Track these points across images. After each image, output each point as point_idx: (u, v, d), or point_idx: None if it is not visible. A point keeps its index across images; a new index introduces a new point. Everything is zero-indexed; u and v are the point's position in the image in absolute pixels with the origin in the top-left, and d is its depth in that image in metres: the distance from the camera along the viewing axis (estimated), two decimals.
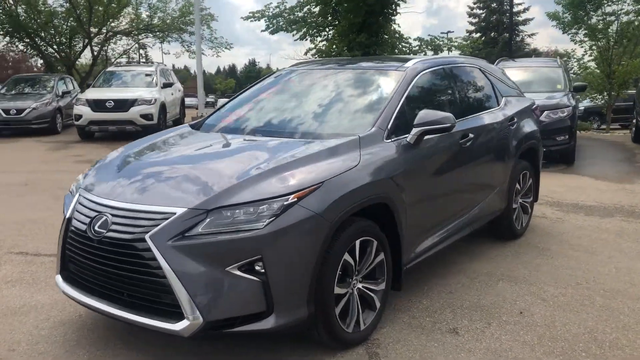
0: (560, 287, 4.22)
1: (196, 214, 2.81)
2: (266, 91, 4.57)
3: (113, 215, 2.99)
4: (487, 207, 4.77)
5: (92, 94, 14.55)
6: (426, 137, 3.79)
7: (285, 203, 2.86)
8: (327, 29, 22.43)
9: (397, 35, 22.44)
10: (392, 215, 3.50)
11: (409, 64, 4.24)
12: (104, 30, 25.04)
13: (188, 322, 2.74)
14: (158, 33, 25.97)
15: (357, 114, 3.90)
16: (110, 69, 17.20)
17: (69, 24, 24.13)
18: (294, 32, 22.63)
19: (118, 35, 26.13)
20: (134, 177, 3.28)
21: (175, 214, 2.83)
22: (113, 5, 23.71)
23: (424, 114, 3.71)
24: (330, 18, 22.15)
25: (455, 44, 23.34)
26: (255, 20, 23.62)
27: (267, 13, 23.58)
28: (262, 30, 23.18)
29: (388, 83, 4.06)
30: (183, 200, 2.90)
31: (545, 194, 7.35)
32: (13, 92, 16.75)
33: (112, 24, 25.14)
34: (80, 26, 23.40)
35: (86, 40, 24.63)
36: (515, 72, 11.29)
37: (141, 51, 28.43)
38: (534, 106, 5.83)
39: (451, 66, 4.63)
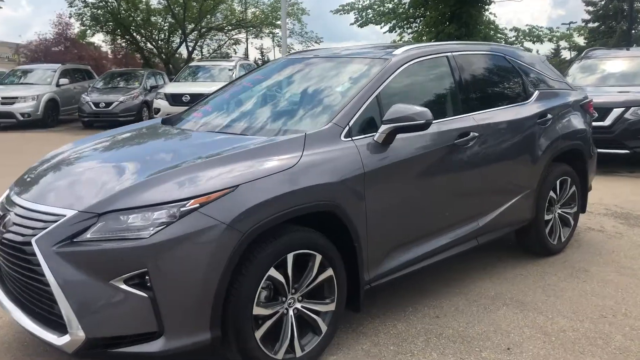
0: (575, 320, 3.48)
1: (86, 217, 2.50)
2: (248, 83, 4.20)
3: (16, 214, 2.77)
4: (505, 217, 4.07)
5: (171, 88, 14.95)
6: (401, 135, 3.24)
7: (182, 209, 2.48)
8: (417, 21, 21.59)
9: (493, 26, 21.18)
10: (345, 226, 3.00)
11: (398, 51, 3.67)
12: (199, 26, 25.79)
13: (69, 337, 2.45)
14: (251, 28, 26.40)
15: (320, 109, 3.41)
16: (193, 63, 17.64)
17: (167, 20, 25.14)
18: (383, 24, 22.02)
19: (212, 31, 26.85)
20: (53, 174, 3.05)
21: (65, 216, 2.54)
22: (210, 1, 24.36)
23: (395, 109, 3.16)
24: (422, 9, 21.29)
25: (557, 34, 21.51)
26: (344, 14, 23.32)
27: (356, 5, 23.16)
28: (351, 24, 22.68)
29: (364, 74, 3.52)
30: (79, 202, 2.61)
31: (614, 203, 6.37)
32: (108, 85, 17.64)
33: (207, 20, 25.82)
34: (176, 22, 24.28)
35: (182, 36, 25.53)
36: (608, 63, 10.09)
37: (235, 46, 29.06)
38: (585, 102, 4.96)
39: (458, 54, 3.96)
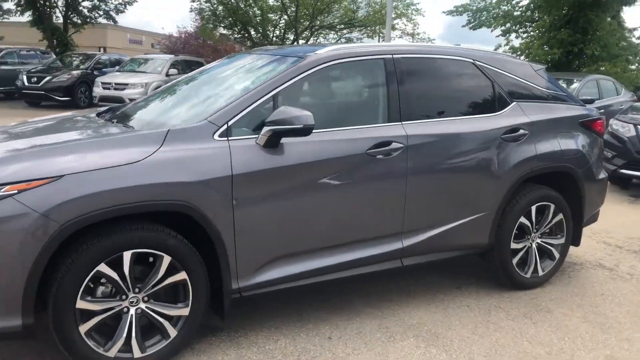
0: None
1: None
2: (189, 79, 4.12)
3: None
4: (445, 240, 3.66)
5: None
6: (293, 140, 3.03)
7: None
8: (532, 25, 20.24)
9: (618, 33, 19.29)
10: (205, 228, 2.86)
11: (320, 50, 3.41)
12: (312, 24, 26.22)
13: None
14: (362, 28, 26.33)
15: (206, 106, 3.27)
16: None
17: (282, 18, 25.85)
18: (495, 26, 20.93)
19: (325, 30, 27.15)
20: None
21: None
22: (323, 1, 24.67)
23: (279, 111, 2.96)
24: (536, 12, 19.95)
25: None
26: (457, 15, 22.50)
27: (471, 7, 22.23)
28: (463, 26, 21.75)
29: (270, 72, 3.33)
30: None
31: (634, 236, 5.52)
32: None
33: (321, 19, 26.17)
34: (290, 21, 24.89)
35: (295, 34, 26.11)
36: None
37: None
38: (588, 119, 4.30)
39: (402, 56, 3.58)
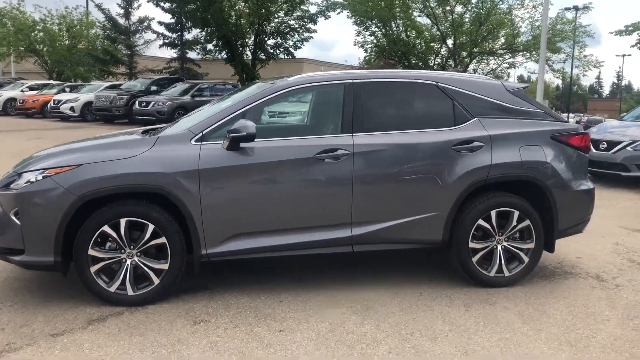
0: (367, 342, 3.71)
1: (12, 175, 4.14)
2: (212, 101, 5.29)
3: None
4: (394, 233, 4.30)
5: None
6: (255, 145, 4.05)
7: (41, 175, 3.91)
8: None
9: None
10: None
11: (291, 78, 4.39)
12: (472, 51, 26.42)
13: None
14: (524, 52, 25.73)
15: (198, 119, 4.37)
16: None
17: (443, 46, 26.49)
18: None
19: (485, 56, 27.08)
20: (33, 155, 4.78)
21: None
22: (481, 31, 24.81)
23: (237, 123, 4.01)
24: None
25: None
26: (627, 34, 21.09)
27: None
28: (632, 46, 20.28)
29: (249, 94, 4.38)
30: (19, 167, 4.27)
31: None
32: None
33: (481, 45, 26.24)
34: (450, 49, 25.45)
35: (454, 62, 26.54)
36: None
37: (509, 70, 28.56)
38: (563, 134, 4.58)
39: (361, 81, 4.37)
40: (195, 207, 4.00)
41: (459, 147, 4.36)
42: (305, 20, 29.87)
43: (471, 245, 4.44)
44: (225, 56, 30.91)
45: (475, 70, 29.13)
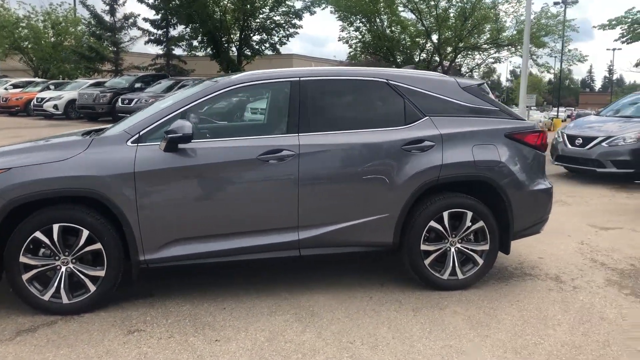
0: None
1: None
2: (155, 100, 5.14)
3: None
4: (342, 236, 4.15)
5: None
6: (195, 146, 3.90)
7: None
8: None
9: None
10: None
11: (234, 76, 4.23)
12: (457, 47, 26.30)
13: None
14: (509, 46, 25.63)
15: (139, 120, 4.21)
16: None
17: (428, 42, 26.39)
18: None
19: (469, 51, 26.95)
20: None
21: None
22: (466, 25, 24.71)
23: (174, 123, 3.85)
24: None
25: None
26: (610, 29, 21.04)
27: (626, 19, 20.64)
28: (615, 40, 20.18)
29: (187, 94, 4.22)
30: None
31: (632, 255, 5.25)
32: None
33: (465, 40, 26.12)
34: (435, 44, 25.35)
35: (439, 58, 26.44)
36: None
37: (494, 65, 28.41)
38: (518, 132, 4.45)
39: (309, 79, 4.22)
40: (131, 212, 3.84)
41: (409, 146, 4.22)
42: (291, 15, 29.67)
43: (423, 247, 4.31)
44: (210, 52, 30.64)
45: (460, 66, 29.07)
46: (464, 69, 28.89)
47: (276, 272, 4.75)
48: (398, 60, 27.26)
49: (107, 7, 33.93)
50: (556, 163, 10.40)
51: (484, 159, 4.32)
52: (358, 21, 26.61)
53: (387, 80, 4.39)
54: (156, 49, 34.26)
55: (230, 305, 4.06)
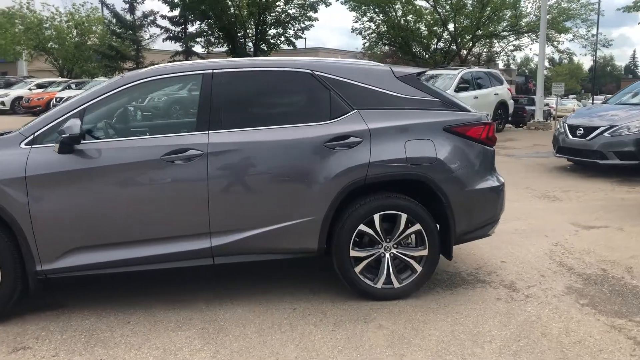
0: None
1: None
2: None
3: None
4: (261, 242, 3.79)
5: None
6: (89, 147, 3.61)
7: None
8: None
9: None
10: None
11: (142, 70, 3.90)
12: (474, 35, 25.42)
13: None
14: (529, 33, 24.65)
15: (36, 120, 3.93)
16: None
17: (445, 31, 25.58)
18: None
19: (488, 39, 26.04)
20: None
21: None
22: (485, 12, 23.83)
23: (66, 123, 3.55)
24: None
25: None
26: (634, 11, 20.02)
27: None
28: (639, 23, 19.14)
29: (91, 90, 3.91)
30: None
31: (614, 260, 4.72)
32: None
33: (485, 28, 25.23)
34: (450, 36, 24.55)
35: (456, 46, 25.62)
36: None
37: (514, 52, 27.42)
38: (460, 125, 4.00)
39: (224, 71, 3.85)
40: (24, 219, 3.56)
41: (333, 143, 3.83)
42: (306, 8, 29.23)
43: (353, 253, 3.91)
44: (226, 48, 30.48)
45: (480, 55, 28.15)
46: (483, 58, 28.00)
47: (202, 280, 4.43)
48: (414, 51, 26.56)
49: (127, 6, 34.09)
50: (557, 155, 9.77)
51: (417, 155, 3.89)
52: (371, 11, 25.95)
53: (311, 70, 4.00)
54: (175, 46, 34.32)
55: (137, 319, 3.75)
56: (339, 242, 3.89)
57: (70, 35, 37.33)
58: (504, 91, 17.39)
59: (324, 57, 38.40)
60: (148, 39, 35.25)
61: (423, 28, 26.47)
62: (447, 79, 15.72)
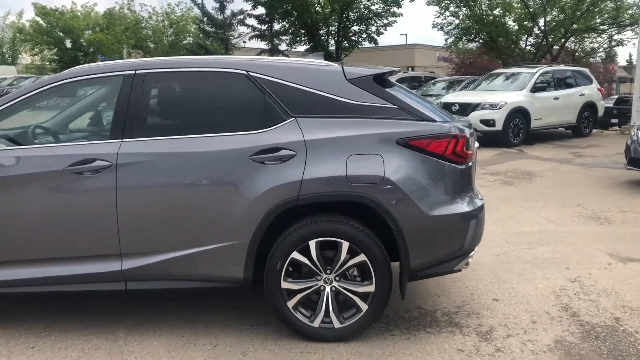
0: None
1: None
2: None
3: None
4: (176, 268, 3.33)
5: (450, 97, 14.62)
6: None
7: None
8: None
9: None
10: None
11: (65, 72, 3.56)
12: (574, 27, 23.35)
13: None
14: (633, 26, 22.21)
15: None
16: (496, 70, 16.52)
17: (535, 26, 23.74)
18: None
19: (583, 33, 23.81)
20: None
21: None
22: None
23: None
24: None
25: None
26: None
27: None
28: None
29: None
30: None
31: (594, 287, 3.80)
32: None
33: (582, 21, 23.09)
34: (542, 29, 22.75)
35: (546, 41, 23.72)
36: None
37: (615, 48, 24.92)
38: (411, 138, 3.29)
39: (147, 71, 3.40)
40: None
41: (262, 156, 3.28)
42: (390, 3, 28.33)
43: (285, 285, 3.35)
44: (307, 46, 30.27)
45: (575, 52, 25.84)
46: (579, 54, 25.64)
47: (144, 299, 4.03)
48: (501, 47, 24.80)
49: (218, 5, 34.82)
50: (629, 167, 8.45)
51: (360, 173, 3.25)
52: (453, 5, 24.56)
53: (247, 71, 3.46)
54: (261, 44, 34.62)
55: (43, 344, 3.41)
56: (268, 271, 3.35)
57: (166, 34, 38.87)
58: (592, 91, 15.69)
59: (421, 54, 36.64)
60: (237, 37, 35.87)
61: (511, 22, 24.73)
62: (523, 78, 14.44)
